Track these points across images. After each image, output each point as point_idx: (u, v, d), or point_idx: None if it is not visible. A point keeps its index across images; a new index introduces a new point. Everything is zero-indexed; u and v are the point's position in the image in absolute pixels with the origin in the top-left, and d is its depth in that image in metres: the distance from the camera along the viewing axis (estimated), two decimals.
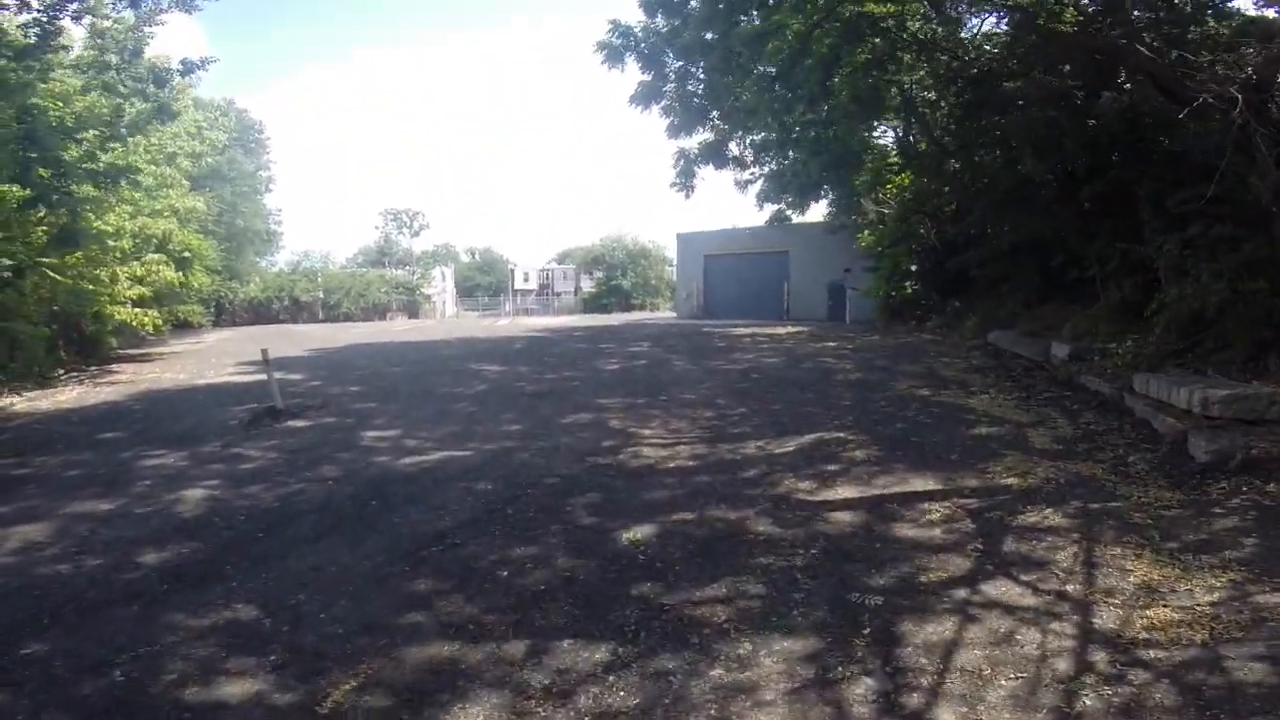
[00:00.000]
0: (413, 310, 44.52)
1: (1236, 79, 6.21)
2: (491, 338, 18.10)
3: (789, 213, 23.61)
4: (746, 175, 22.85)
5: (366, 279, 42.97)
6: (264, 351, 9.03)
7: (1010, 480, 4.95)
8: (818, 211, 23.93)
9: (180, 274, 17.88)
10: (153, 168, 16.71)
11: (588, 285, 58.61)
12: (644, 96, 18.48)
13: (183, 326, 23.13)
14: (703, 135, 20.37)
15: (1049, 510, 4.33)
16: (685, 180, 21.54)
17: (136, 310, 15.23)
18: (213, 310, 29.71)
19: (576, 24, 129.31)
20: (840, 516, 4.40)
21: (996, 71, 9.87)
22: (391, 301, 42.91)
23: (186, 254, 19.09)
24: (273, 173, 43.05)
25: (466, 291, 69.29)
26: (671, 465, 5.56)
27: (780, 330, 17.50)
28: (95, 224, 13.47)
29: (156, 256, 16.83)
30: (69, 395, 10.44)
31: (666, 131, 19.87)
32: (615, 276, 48.58)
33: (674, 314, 30.39)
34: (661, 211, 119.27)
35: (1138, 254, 8.34)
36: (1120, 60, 7.10)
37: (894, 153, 19.25)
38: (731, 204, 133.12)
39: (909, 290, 17.82)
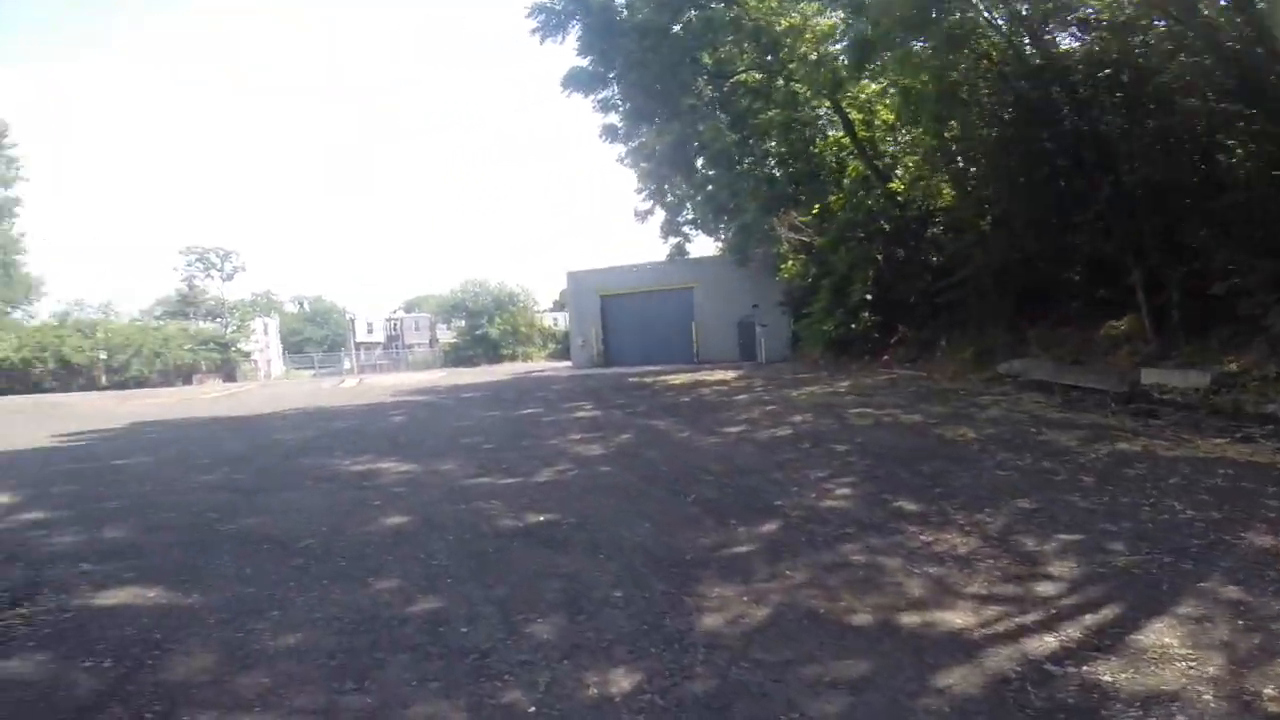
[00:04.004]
0: (229, 372, 36.37)
1: None
2: (348, 407, 13.00)
3: (689, 245, 21.35)
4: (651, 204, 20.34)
5: (164, 333, 34.37)
6: None
7: None
8: (709, 246, 21.98)
9: None
10: None
11: (446, 336, 52.71)
12: (584, 81, 15.19)
13: None
14: (646, 139, 17.57)
15: None
16: (656, 185, 18.81)
17: None
18: None
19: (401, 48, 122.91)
20: None
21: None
22: (200, 361, 34.64)
23: None
24: (18, 194, 33.58)
25: (295, 347, 59.67)
26: None
27: (723, 375, 14.45)
28: None
29: None
30: None
31: (602, 134, 17.37)
32: (480, 325, 43.39)
33: (568, 363, 26.60)
34: (525, 256, 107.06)
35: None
36: None
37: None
38: (599, 245, 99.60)
39: (867, 321, 15.62)
